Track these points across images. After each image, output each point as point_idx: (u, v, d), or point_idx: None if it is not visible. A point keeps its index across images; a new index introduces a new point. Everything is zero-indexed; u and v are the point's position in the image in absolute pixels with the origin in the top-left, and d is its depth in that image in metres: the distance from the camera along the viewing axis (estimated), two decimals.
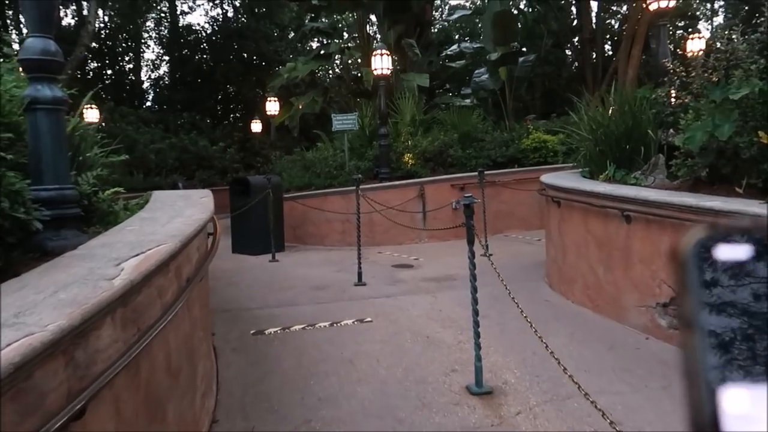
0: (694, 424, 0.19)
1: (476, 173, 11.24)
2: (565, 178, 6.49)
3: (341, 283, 7.27)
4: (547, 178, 6.93)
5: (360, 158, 12.01)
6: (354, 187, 9.03)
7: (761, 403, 0.18)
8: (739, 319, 0.20)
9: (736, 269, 0.21)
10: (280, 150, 15.85)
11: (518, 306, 3.84)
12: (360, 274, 7.22)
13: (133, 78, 28.29)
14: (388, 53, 11.05)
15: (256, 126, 21.64)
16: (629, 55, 14.63)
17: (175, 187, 10.41)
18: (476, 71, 15.77)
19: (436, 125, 12.89)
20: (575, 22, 24.39)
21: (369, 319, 5.57)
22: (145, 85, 29.44)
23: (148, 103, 28.03)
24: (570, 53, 25.80)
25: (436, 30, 20.01)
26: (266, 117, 18.39)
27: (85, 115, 16.12)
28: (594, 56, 24.21)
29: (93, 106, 15.75)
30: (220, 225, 4.33)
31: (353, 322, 5.50)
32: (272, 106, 15.92)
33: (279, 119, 15.94)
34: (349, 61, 16.37)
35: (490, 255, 5.35)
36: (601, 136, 6.23)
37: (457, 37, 24.45)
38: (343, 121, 11.81)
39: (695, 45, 12.38)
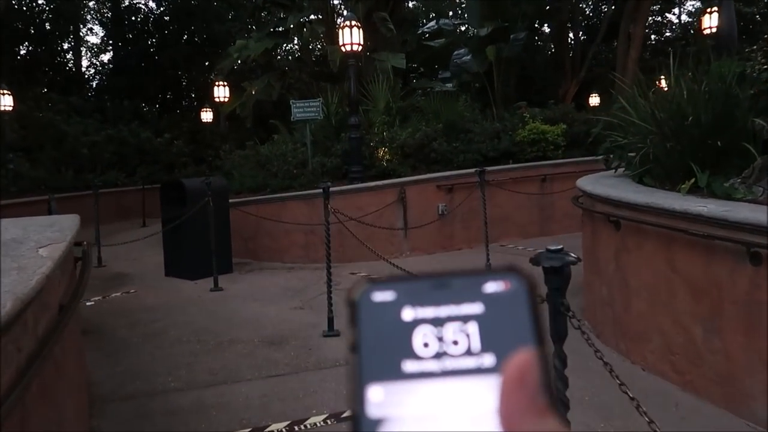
0: (353, 412, 0.31)
1: (466, 172, 9.36)
2: (622, 188, 4.61)
3: (305, 332, 5.27)
4: (591, 184, 5.05)
5: (325, 154, 9.96)
6: (319, 190, 7.06)
7: (389, 394, 0.31)
8: (381, 341, 0.32)
9: (382, 307, 0.33)
10: (231, 143, 13.67)
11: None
12: (331, 320, 5.24)
13: (72, 64, 25.40)
14: (359, 25, 9.02)
15: (207, 115, 19.30)
16: (629, 35, 12.95)
17: (49, 209, 8.16)
18: (456, 52, 13.84)
19: (415, 114, 10.93)
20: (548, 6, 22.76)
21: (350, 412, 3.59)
22: (90, 72, 26.57)
23: (92, 93, 25.21)
24: (537, 38, 24.13)
25: (407, 8, 18.02)
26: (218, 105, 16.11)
27: None
28: (571, 41, 22.65)
29: (4, 91, 13.22)
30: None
31: (325, 422, 3.51)
32: (221, 92, 13.66)
33: (229, 107, 13.70)
34: (311, 40, 14.23)
35: None
36: (674, 127, 4.37)
37: (424, 21, 22.46)
38: (304, 109, 9.73)
39: (712, 21, 10.77)
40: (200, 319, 5.82)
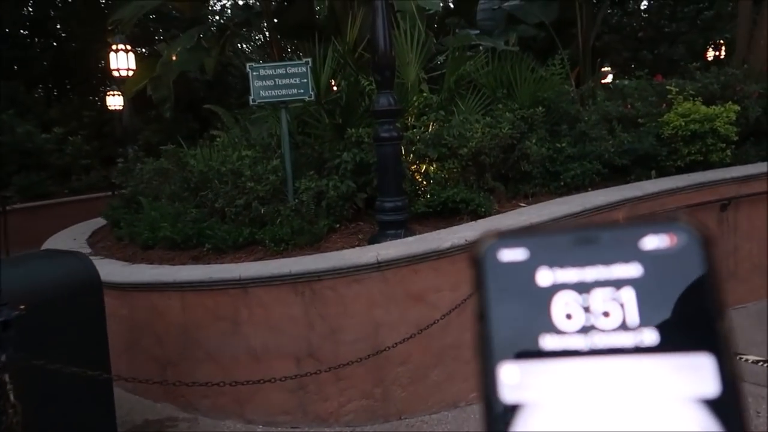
0: (483, 395, 0.26)
1: (610, 200, 4.74)
2: None
3: None
4: None
5: (319, 170, 5.07)
6: (327, 265, 2.23)
7: (526, 375, 0.25)
8: (513, 310, 0.26)
9: (513, 269, 0.27)
10: (141, 145, 8.47)
11: None
12: None
13: None
14: None
15: (116, 100, 13.79)
16: None
17: None
18: None
19: (468, 91, 6.14)
20: None
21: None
22: None
23: None
24: None
25: None
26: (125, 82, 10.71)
27: None
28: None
29: None
30: None
31: None
32: (122, 61, 8.45)
33: (134, 85, 8.49)
34: None
35: None
36: None
37: None
38: (276, 81, 4.82)
39: None
40: None
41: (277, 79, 4.91)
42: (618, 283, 0.25)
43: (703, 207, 5.30)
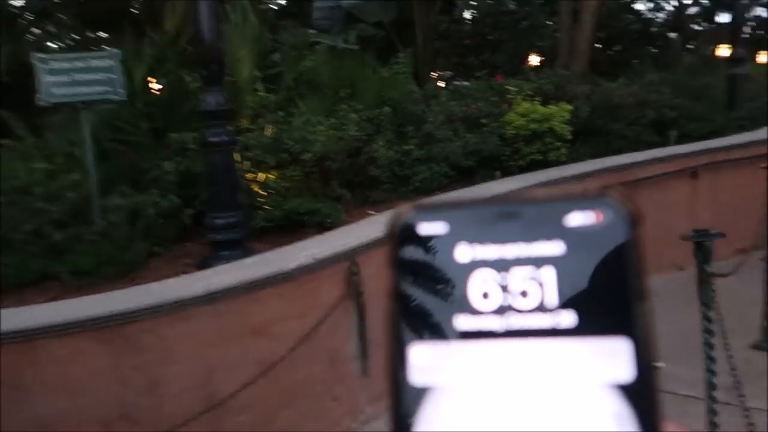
0: (390, 376, 0.24)
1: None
2: None
3: None
4: None
5: (135, 183, 4.25)
6: (146, 302, 1.73)
7: (438, 357, 0.24)
8: (428, 288, 0.25)
9: (430, 243, 0.25)
10: None
11: None
12: None
13: None
14: None
15: None
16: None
17: None
18: None
19: (306, 91, 5.64)
20: None
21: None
22: None
23: None
24: None
25: None
26: None
27: None
28: None
29: None
30: None
31: None
32: None
33: None
34: None
35: None
36: None
37: None
38: (74, 77, 3.94)
39: None
40: None
41: (75, 74, 4.03)
42: (538, 262, 0.24)
43: None
